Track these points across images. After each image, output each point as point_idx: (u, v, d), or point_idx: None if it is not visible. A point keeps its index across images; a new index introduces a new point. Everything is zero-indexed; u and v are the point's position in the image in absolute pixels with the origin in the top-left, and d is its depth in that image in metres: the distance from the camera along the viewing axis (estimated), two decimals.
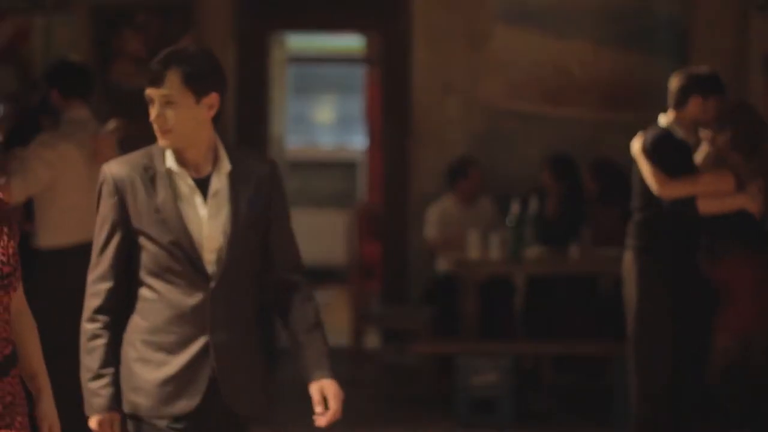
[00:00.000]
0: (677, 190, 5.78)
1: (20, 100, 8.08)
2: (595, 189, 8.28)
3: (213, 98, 3.42)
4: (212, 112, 3.44)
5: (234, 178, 3.47)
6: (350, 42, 11.95)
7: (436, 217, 8.37)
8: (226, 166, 3.47)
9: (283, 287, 3.59)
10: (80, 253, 5.96)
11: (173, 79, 3.38)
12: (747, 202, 5.67)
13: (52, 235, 5.95)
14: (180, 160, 3.45)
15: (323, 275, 11.43)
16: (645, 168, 5.83)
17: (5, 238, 3.11)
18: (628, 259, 6.06)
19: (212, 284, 3.44)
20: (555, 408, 7.72)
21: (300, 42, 12.09)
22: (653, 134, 5.90)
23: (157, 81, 3.39)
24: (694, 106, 5.90)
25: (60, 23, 9.07)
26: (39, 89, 7.60)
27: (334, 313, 9.85)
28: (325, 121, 13.92)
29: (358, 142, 12.77)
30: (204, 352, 3.44)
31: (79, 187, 5.99)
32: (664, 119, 6.00)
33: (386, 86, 9.40)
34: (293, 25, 9.95)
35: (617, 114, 8.82)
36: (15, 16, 9.06)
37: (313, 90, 13.61)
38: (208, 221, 3.45)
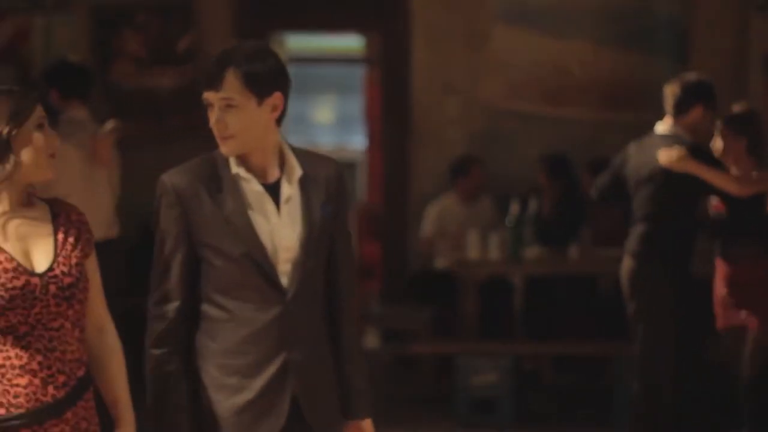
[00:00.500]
0: (754, 186, 5.79)
1: None
2: None
3: (276, 98, 3.15)
4: (276, 114, 3.17)
5: (305, 183, 3.21)
6: (350, 42, 11.93)
7: (435, 215, 8.38)
8: (297, 170, 3.20)
9: (337, 304, 3.34)
10: None
11: (232, 81, 3.10)
12: None
13: None
14: (245, 165, 3.18)
15: None
16: (712, 176, 5.80)
17: (69, 247, 3.05)
18: (630, 264, 6.10)
19: (288, 297, 3.17)
20: (555, 408, 7.71)
21: (300, 42, 12.08)
22: (687, 145, 5.91)
23: (214, 83, 3.11)
24: (696, 114, 5.96)
25: (60, 23, 9.07)
26: (38, 89, 7.58)
27: None
28: (324, 121, 13.92)
29: (357, 142, 12.76)
30: (283, 371, 3.18)
31: (77, 188, 5.99)
32: (663, 126, 6.03)
33: (386, 86, 9.39)
34: (293, 25, 9.95)
35: (617, 114, 8.81)
36: (15, 16, 9.06)
37: (312, 90, 13.60)
38: (281, 230, 3.17)
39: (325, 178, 3.24)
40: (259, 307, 3.16)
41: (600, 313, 7.84)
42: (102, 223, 6.24)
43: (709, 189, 5.90)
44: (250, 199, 3.17)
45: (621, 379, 7.06)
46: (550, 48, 8.90)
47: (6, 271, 2.96)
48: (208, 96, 3.13)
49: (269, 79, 3.13)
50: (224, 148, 3.15)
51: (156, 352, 3.20)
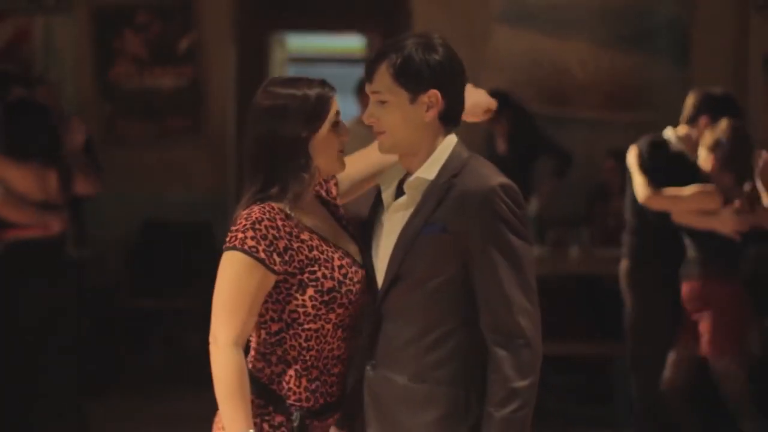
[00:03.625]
0: (662, 202, 5.81)
1: None
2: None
3: (432, 96, 2.88)
4: (432, 113, 2.89)
5: (427, 192, 2.89)
6: (350, 42, 11.95)
7: None
8: (424, 175, 2.91)
9: (490, 347, 2.86)
10: None
11: (383, 74, 2.89)
12: (719, 225, 5.68)
13: None
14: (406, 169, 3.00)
15: None
16: (635, 177, 5.91)
17: None
18: (627, 266, 6.16)
19: (375, 311, 2.97)
20: (555, 408, 7.71)
21: (300, 42, 12.10)
22: (646, 144, 6.00)
23: (368, 76, 2.93)
24: (703, 125, 5.99)
25: (60, 23, 9.08)
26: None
27: None
28: None
29: None
30: (359, 384, 3.03)
31: None
32: (670, 131, 6.08)
33: None
34: (293, 25, 9.97)
35: (617, 114, 8.82)
36: (15, 16, 9.07)
37: None
38: (382, 240, 2.98)
39: (457, 197, 2.85)
40: (368, 317, 3.00)
41: (600, 313, 7.85)
42: None
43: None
44: (384, 203, 3.03)
45: (621, 379, 7.07)
46: (550, 48, 8.91)
47: (349, 265, 2.93)
48: (367, 88, 2.97)
49: (424, 75, 2.87)
50: (379, 145, 2.97)
51: None
